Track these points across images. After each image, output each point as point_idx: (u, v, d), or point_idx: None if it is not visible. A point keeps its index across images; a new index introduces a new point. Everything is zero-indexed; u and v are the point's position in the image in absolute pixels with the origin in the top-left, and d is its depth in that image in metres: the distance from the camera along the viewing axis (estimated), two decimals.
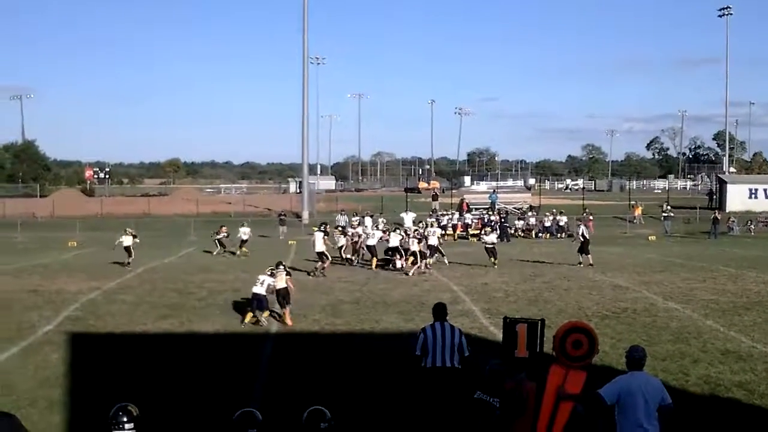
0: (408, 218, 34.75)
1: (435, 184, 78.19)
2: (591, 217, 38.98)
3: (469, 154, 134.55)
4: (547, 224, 38.96)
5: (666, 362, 11.26)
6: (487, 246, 24.26)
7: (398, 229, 25.69)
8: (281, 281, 14.64)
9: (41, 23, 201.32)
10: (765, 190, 50.41)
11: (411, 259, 22.55)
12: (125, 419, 4.77)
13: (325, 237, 22.99)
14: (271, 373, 11.15)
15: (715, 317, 14.98)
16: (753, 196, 50.21)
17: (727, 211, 46.28)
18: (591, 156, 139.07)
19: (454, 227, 37.12)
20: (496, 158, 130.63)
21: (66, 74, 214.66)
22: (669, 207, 42.90)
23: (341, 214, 36.86)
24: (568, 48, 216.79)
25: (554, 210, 41.24)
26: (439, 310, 8.31)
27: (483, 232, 27.53)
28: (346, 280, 20.91)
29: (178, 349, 12.58)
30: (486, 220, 36.74)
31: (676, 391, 9.10)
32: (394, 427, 8.55)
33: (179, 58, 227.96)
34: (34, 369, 11.23)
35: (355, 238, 26.00)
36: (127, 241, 24.50)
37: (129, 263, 24.02)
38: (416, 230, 25.78)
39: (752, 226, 40.99)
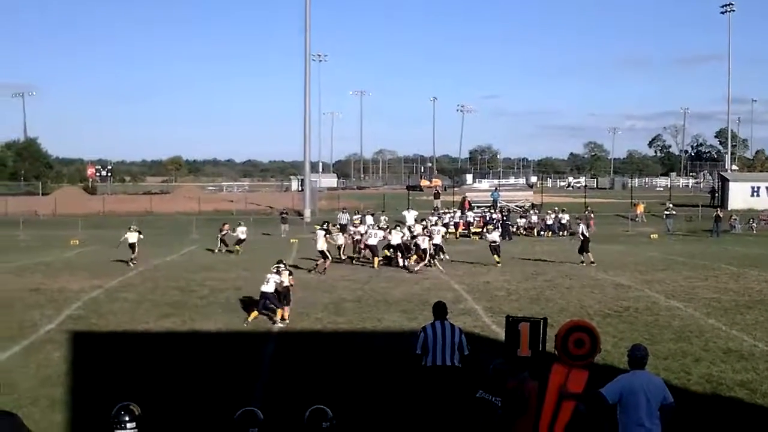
0: (410, 216, 34.78)
1: (437, 181, 78.08)
2: (593, 215, 38.97)
3: (471, 152, 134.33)
4: (549, 222, 38.85)
5: (668, 361, 11.25)
6: (491, 244, 24.27)
7: (399, 226, 25.65)
8: (284, 279, 14.65)
9: (43, 21, 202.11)
10: (767, 187, 50.30)
11: (414, 257, 22.55)
12: (127, 418, 4.76)
13: (327, 236, 22.99)
14: (272, 371, 11.16)
15: (717, 316, 14.96)
16: (755, 194, 49.96)
17: (729, 209, 46.14)
18: (593, 154, 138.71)
19: (456, 225, 37.10)
20: (498, 156, 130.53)
21: (68, 72, 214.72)
22: (671, 205, 42.83)
23: (343, 212, 36.82)
24: (570, 45, 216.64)
25: (556, 208, 41.23)
26: (440, 309, 8.31)
27: (486, 230, 27.51)
28: (348, 278, 20.91)
29: (180, 347, 12.59)
30: (488, 218, 36.74)
31: (678, 390, 9.10)
32: (396, 426, 8.55)
33: (181, 55, 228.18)
34: (35, 367, 11.25)
35: (357, 237, 25.98)
36: (132, 237, 24.53)
37: (134, 259, 24.05)
38: (425, 228, 25.72)
39: (754, 224, 40.92)
